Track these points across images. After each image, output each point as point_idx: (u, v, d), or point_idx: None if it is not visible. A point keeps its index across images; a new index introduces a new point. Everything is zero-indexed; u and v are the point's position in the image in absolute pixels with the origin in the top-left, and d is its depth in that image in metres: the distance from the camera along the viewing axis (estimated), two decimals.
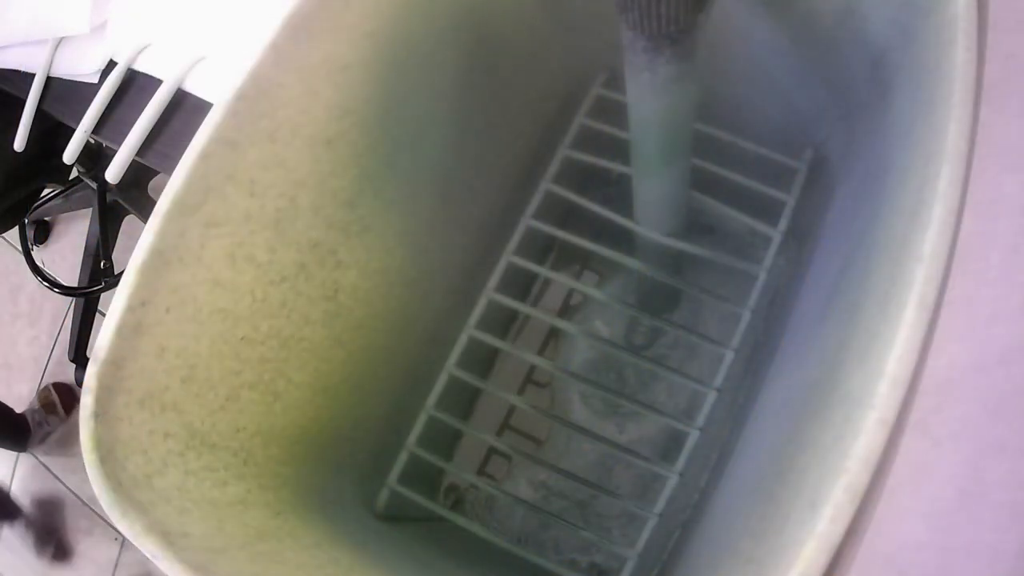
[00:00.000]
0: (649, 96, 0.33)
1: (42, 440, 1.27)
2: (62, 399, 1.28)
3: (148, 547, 0.27)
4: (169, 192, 0.31)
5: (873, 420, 0.24)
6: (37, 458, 1.29)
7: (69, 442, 1.28)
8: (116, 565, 1.19)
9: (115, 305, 0.30)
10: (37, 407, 1.28)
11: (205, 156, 0.31)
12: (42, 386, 1.30)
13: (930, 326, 0.24)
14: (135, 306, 0.30)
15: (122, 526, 0.27)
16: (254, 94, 0.32)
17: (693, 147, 0.39)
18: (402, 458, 0.48)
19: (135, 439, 0.30)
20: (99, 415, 0.29)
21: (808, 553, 0.24)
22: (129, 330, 0.30)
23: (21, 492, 1.30)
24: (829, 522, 0.24)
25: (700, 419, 0.45)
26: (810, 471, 0.27)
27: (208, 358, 0.34)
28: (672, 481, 0.44)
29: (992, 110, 0.24)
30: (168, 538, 0.28)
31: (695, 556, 0.43)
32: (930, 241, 0.25)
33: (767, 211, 0.46)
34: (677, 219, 0.45)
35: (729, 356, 0.45)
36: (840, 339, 0.32)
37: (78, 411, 1.15)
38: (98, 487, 0.28)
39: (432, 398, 0.49)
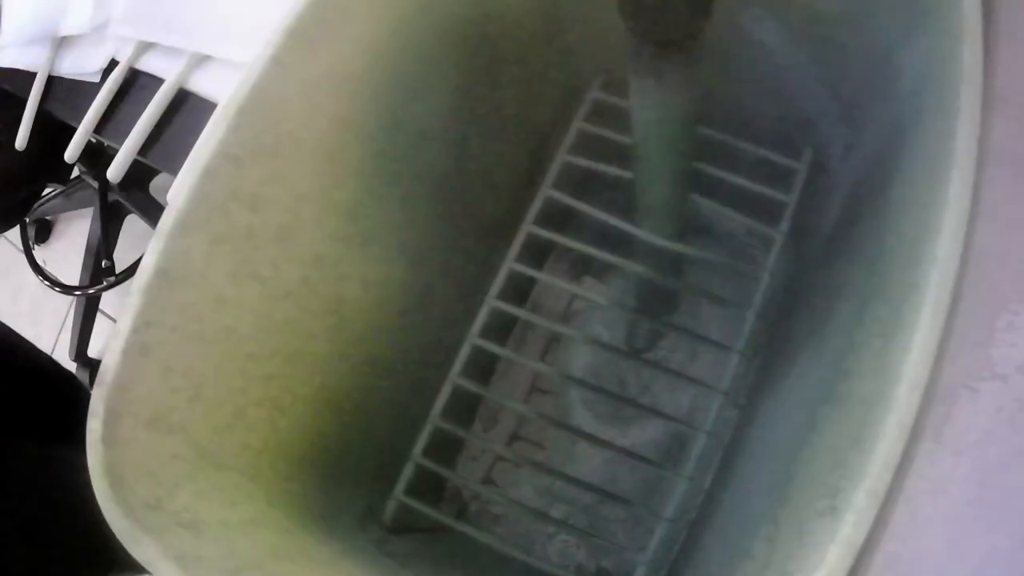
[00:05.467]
0: (654, 101, 0.33)
1: None
2: None
3: (163, 573, 0.26)
4: (172, 211, 0.30)
5: (892, 424, 0.24)
6: None
7: None
8: None
9: (119, 327, 0.29)
10: None
11: (208, 173, 0.31)
12: None
13: (945, 329, 0.24)
14: (140, 327, 0.30)
15: (136, 553, 0.27)
16: (256, 108, 0.32)
17: (694, 149, 0.39)
18: (408, 469, 0.48)
19: (144, 462, 0.30)
20: (107, 439, 0.29)
21: (831, 558, 0.24)
22: (135, 352, 0.30)
23: None
24: (851, 527, 0.24)
25: (707, 422, 0.45)
26: (827, 475, 0.27)
27: (214, 377, 0.33)
28: (681, 485, 0.44)
29: (1005, 117, 0.24)
30: (183, 563, 0.27)
31: (703, 558, 0.43)
32: (943, 244, 0.25)
33: (767, 212, 0.46)
34: (678, 222, 0.45)
35: (734, 359, 0.45)
36: (849, 341, 0.32)
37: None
38: (109, 513, 0.27)
39: (437, 408, 0.49)
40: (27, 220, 1.20)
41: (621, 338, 0.60)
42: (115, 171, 0.54)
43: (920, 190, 0.28)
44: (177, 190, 0.31)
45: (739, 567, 0.34)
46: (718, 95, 0.45)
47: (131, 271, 1.08)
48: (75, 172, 1.08)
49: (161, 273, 0.30)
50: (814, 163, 0.46)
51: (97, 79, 0.58)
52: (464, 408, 0.58)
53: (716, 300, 0.47)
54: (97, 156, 0.94)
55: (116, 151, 0.54)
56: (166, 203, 0.32)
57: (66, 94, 0.59)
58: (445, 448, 0.55)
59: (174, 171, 0.51)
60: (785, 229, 0.46)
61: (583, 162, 0.49)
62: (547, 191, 0.50)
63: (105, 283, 1.05)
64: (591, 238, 0.49)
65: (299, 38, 0.32)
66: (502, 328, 0.60)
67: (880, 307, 0.29)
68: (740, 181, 0.46)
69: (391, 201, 0.41)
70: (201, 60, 0.54)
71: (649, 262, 0.49)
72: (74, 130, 0.56)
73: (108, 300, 1.24)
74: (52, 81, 0.59)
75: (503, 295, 0.49)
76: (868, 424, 0.25)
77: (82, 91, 0.57)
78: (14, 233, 1.37)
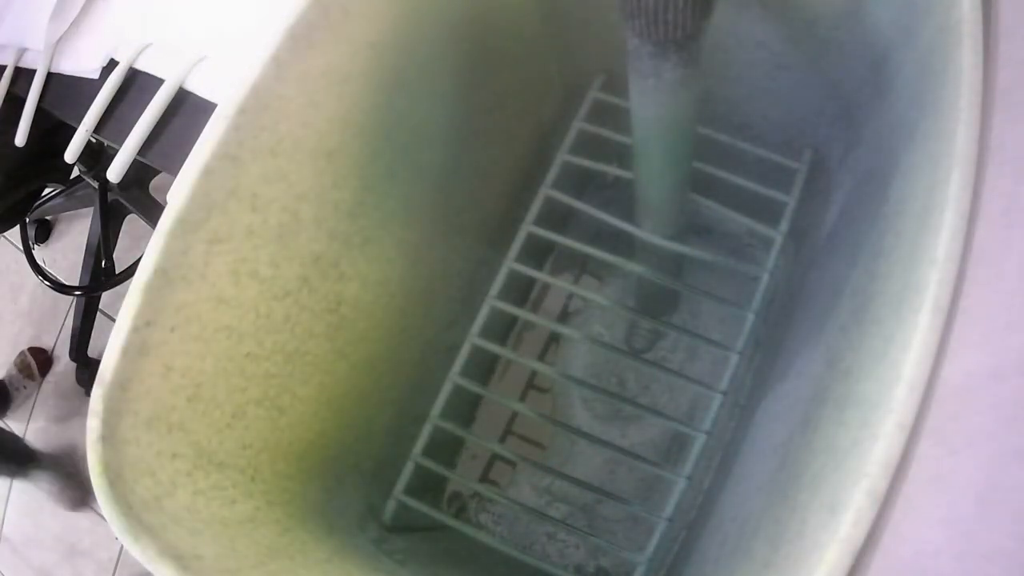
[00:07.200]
0: (654, 101, 0.33)
1: (20, 404, 1.32)
2: (37, 360, 1.31)
3: (162, 571, 0.26)
4: (171, 210, 0.30)
5: (892, 424, 0.24)
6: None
7: (49, 414, 1.31)
8: (117, 564, 1.19)
9: (119, 326, 0.29)
10: (15, 372, 1.31)
11: (207, 172, 0.31)
12: (18, 352, 1.32)
13: (945, 330, 0.24)
14: (140, 326, 0.30)
15: (135, 551, 0.27)
16: (255, 107, 0.32)
17: (694, 149, 0.39)
18: (408, 468, 0.48)
19: (143, 461, 0.30)
20: (106, 438, 0.29)
21: (831, 557, 0.24)
22: (134, 351, 0.30)
23: (21, 490, 1.30)
24: (851, 526, 0.24)
25: (707, 422, 0.45)
26: (827, 474, 0.27)
27: (214, 376, 0.33)
28: (681, 485, 0.44)
29: (1006, 117, 0.24)
30: (182, 561, 0.27)
31: (702, 558, 0.43)
32: (943, 245, 0.25)
33: (766, 212, 0.46)
34: (678, 221, 0.45)
35: (734, 359, 0.45)
36: (849, 341, 0.32)
37: (51, 374, 1.16)
38: (108, 511, 0.27)
39: (437, 407, 0.49)
40: (27, 220, 1.20)
41: (621, 338, 0.60)
42: (115, 171, 0.54)
43: (920, 190, 0.28)
44: (177, 190, 0.31)
45: (739, 567, 0.34)
46: (718, 95, 0.45)
47: (131, 271, 1.08)
48: (75, 172, 1.08)
49: (161, 273, 0.30)
50: (814, 163, 0.46)
51: (96, 76, 0.58)
52: (464, 408, 0.58)
53: (716, 300, 0.47)
54: (97, 156, 0.94)
55: (116, 151, 0.54)
56: (166, 203, 0.32)
57: (66, 93, 0.59)
58: (445, 448, 0.55)
59: (174, 171, 0.51)
60: (785, 229, 0.46)
61: (583, 162, 0.49)
62: (547, 191, 0.49)
63: (105, 283, 1.05)
64: (591, 238, 0.49)
65: (299, 38, 0.32)
66: (502, 328, 0.60)
67: (880, 307, 0.29)
68: (740, 181, 0.46)
69: (391, 200, 0.41)
70: (201, 60, 0.54)
71: (649, 262, 0.49)
72: (74, 130, 0.56)
73: (108, 300, 1.24)
74: (52, 79, 0.60)
75: (503, 295, 0.49)
76: (868, 424, 0.25)
77: (82, 90, 0.57)
78: (14, 233, 1.37)
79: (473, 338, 0.49)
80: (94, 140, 0.58)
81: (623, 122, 0.39)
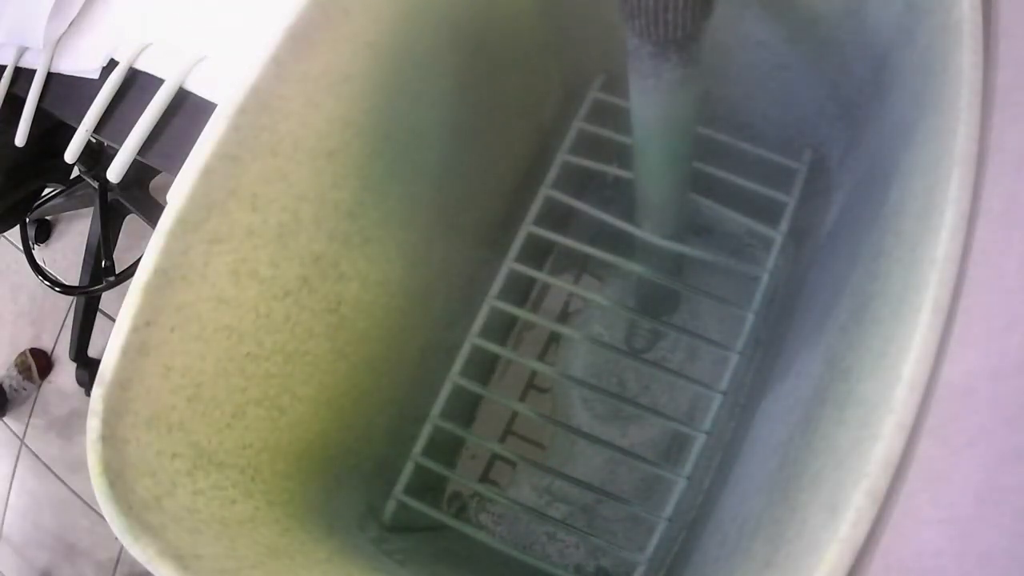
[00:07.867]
0: (654, 101, 0.33)
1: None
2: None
3: (162, 571, 0.26)
4: (171, 210, 0.30)
5: (892, 424, 0.24)
6: (38, 457, 1.30)
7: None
8: (117, 564, 1.19)
9: (119, 326, 0.29)
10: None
11: (207, 172, 0.31)
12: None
13: (945, 330, 0.24)
14: (140, 326, 0.30)
15: (135, 551, 0.27)
16: (255, 107, 0.32)
17: (694, 149, 0.39)
18: (408, 468, 0.48)
19: (143, 461, 0.30)
20: (106, 438, 0.29)
21: (831, 557, 0.24)
22: (134, 351, 0.30)
23: (21, 490, 1.30)
24: (851, 526, 0.24)
25: (707, 422, 0.45)
26: (827, 474, 0.27)
27: (214, 376, 0.33)
28: (681, 485, 0.44)
29: (1006, 117, 0.24)
30: (182, 561, 0.27)
31: (702, 558, 0.43)
32: (943, 244, 0.25)
33: (766, 212, 0.46)
34: (678, 221, 0.45)
35: (734, 359, 0.45)
36: (849, 341, 0.32)
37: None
38: (108, 511, 0.27)
39: (437, 407, 0.49)
40: (27, 220, 1.21)
41: (621, 338, 0.60)
42: (115, 171, 0.54)
43: (920, 190, 0.28)
44: (177, 190, 0.31)
45: (739, 567, 0.34)
46: (718, 95, 0.45)
47: (131, 271, 1.09)
48: (75, 172, 1.08)
49: (161, 272, 0.30)
50: (814, 163, 0.46)
51: (96, 76, 0.58)
52: (464, 408, 0.58)
53: (716, 300, 0.47)
54: (97, 156, 0.94)
55: (116, 151, 0.54)
56: (166, 203, 0.32)
57: (66, 93, 0.59)
58: (445, 447, 0.55)
59: (174, 171, 0.51)
60: (785, 229, 0.46)
61: (583, 162, 0.49)
62: (547, 191, 0.50)
63: (105, 283, 1.05)
64: (591, 238, 0.49)
65: (299, 38, 0.32)
66: (502, 328, 0.60)
67: (880, 307, 0.29)
68: (740, 181, 0.46)
69: (390, 200, 0.41)
70: (201, 60, 0.54)
71: (649, 262, 0.49)
72: (74, 130, 0.56)
73: (108, 300, 1.24)
74: (51, 79, 0.60)
75: (503, 295, 0.49)
76: (868, 424, 0.25)
77: (82, 90, 0.57)
78: (14, 233, 1.38)
79: (473, 338, 0.49)
80: (94, 140, 0.58)
81: (623, 122, 0.39)
